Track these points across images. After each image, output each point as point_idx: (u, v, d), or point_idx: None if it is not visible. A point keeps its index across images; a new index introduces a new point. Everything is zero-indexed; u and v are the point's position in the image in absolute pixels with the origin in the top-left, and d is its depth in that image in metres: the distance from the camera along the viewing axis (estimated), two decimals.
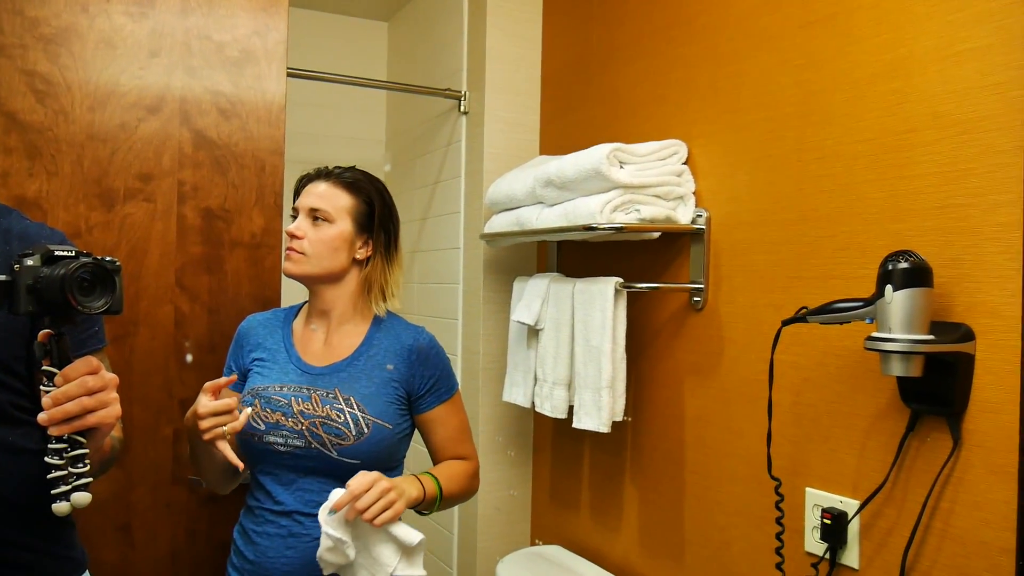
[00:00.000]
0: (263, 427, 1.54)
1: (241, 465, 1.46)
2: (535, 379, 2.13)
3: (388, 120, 3.34)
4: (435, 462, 1.69)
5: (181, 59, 1.94)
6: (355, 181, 1.66)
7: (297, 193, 1.68)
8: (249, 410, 1.49)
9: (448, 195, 2.69)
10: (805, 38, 1.60)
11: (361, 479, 1.39)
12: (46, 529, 1.28)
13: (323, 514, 1.39)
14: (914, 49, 1.39)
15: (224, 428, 1.40)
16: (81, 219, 1.85)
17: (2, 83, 1.79)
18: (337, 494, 1.39)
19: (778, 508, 1.54)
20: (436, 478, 1.57)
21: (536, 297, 2.11)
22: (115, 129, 1.88)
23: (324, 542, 1.38)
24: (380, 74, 3.32)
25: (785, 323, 1.50)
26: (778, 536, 1.54)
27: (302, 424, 1.53)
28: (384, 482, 1.40)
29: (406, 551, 1.42)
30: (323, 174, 1.66)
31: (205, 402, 1.40)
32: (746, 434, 1.73)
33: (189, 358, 1.55)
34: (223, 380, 1.44)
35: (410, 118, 3.08)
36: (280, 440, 1.53)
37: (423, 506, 1.54)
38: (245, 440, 1.57)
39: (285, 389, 1.57)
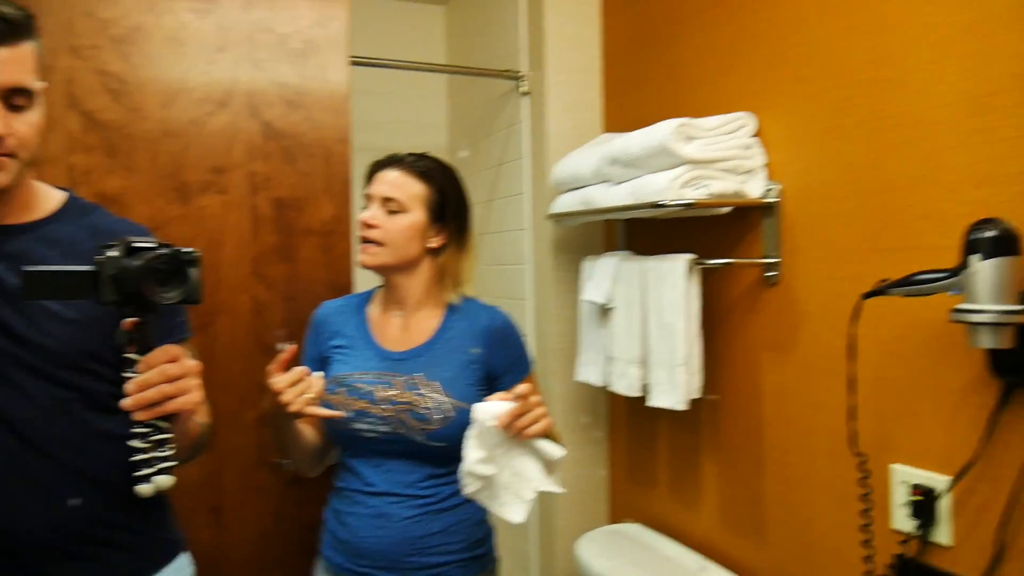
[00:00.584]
0: (350, 414, 1.56)
1: (341, 414, 1.47)
2: (608, 358, 2.12)
3: (449, 104, 3.35)
4: None
5: (246, 53, 1.97)
6: (428, 170, 1.65)
7: (369, 180, 1.68)
8: (321, 375, 1.48)
9: (512, 176, 2.69)
10: (876, 2, 1.55)
11: (522, 388, 1.37)
12: (146, 512, 1.33)
13: (482, 419, 1.38)
14: (993, 8, 1.33)
15: (308, 395, 1.41)
16: (159, 212, 1.90)
17: (79, 83, 1.84)
18: (488, 407, 1.38)
19: (863, 484, 1.51)
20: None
21: (606, 276, 2.10)
22: (186, 124, 1.92)
23: (474, 454, 1.37)
24: (439, 58, 3.32)
25: (865, 296, 1.46)
26: (864, 513, 1.51)
27: (388, 411, 1.54)
28: (536, 395, 1.39)
29: (548, 466, 1.42)
30: (395, 161, 1.65)
31: (278, 378, 1.41)
32: (827, 409, 1.70)
33: (283, 346, 1.58)
34: (283, 355, 1.45)
35: (471, 101, 3.08)
36: (367, 427, 1.55)
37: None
38: (333, 427, 1.59)
39: (367, 376, 1.59)
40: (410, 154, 1.67)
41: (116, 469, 1.15)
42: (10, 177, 1.16)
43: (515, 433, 1.35)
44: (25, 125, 1.16)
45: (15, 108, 1.14)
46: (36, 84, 1.18)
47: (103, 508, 1.26)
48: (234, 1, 1.96)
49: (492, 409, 1.37)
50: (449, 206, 1.66)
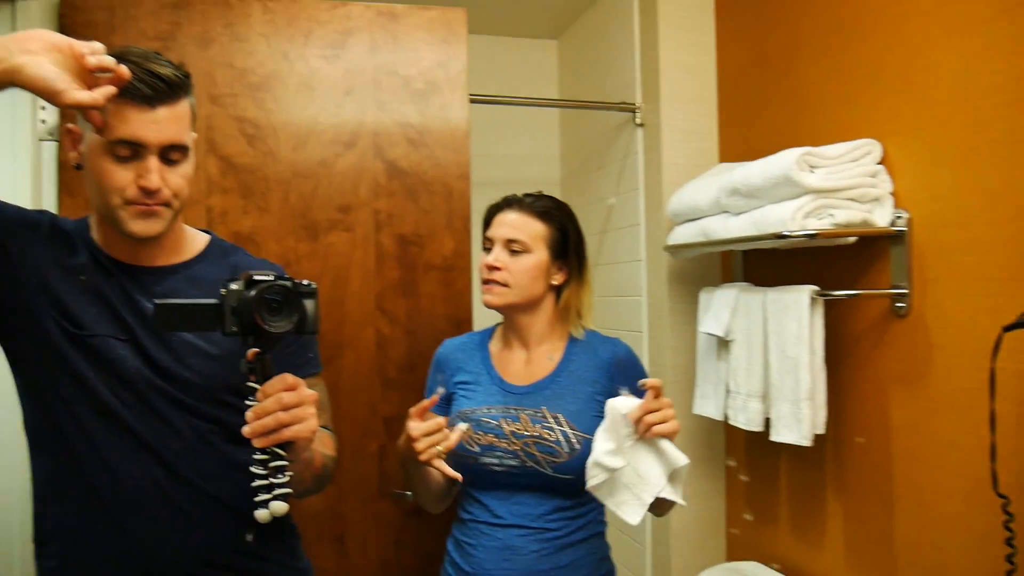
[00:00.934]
0: (477, 449, 1.59)
1: (459, 477, 1.50)
2: (727, 391, 2.09)
3: (562, 136, 3.38)
4: None
5: (372, 95, 2.05)
6: (547, 210, 1.68)
7: (487, 223, 1.72)
8: (464, 426, 1.55)
9: (627, 208, 2.69)
10: (1008, 21, 1.49)
11: (653, 380, 1.41)
12: (279, 541, 1.39)
13: (615, 410, 1.41)
14: None
15: (439, 447, 1.45)
16: (290, 251, 1.99)
17: (218, 129, 1.96)
18: (621, 400, 1.41)
19: (1007, 528, 1.43)
20: None
21: (725, 307, 2.07)
22: (316, 165, 2.01)
23: (604, 445, 1.40)
24: (552, 92, 3.36)
25: (1007, 329, 1.39)
26: (1008, 559, 1.43)
27: (515, 444, 1.56)
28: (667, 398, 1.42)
29: (671, 474, 1.42)
30: (514, 203, 1.69)
31: (415, 425, 1.46)
32: (962, 447, 1.61)
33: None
34: (426, 402, 1.50)
35: (583, 133, 3.10)
36: (495, 460, 1.57)
37: None
38: (460, 461, 1.61)
39: (493, 410, 1.62)
40: (527, 195, 1.71)
41: (251, 498, 1.20)
42: (163, 225, 1.25)
43: (645, 429, 1.38)
44: (179, 177, 1.24)
45: (171, 162, 1.23)
46: (190, 139, 1.26)
47: (240, 537, 1.31)
48: (361, 46, 2.04)
49: (625, 403, 1.40)
50: (569, 242, 1.69)
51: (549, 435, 1.55)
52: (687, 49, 2.47)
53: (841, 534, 1.97)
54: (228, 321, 1.10)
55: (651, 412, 1.38)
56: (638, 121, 2.57)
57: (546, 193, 1.75)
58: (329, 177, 2.02)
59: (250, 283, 1.11)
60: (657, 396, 1.39)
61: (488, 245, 1.69)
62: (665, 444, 1.41)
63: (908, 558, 1.76)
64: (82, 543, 1.27)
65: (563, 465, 1.54)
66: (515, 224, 1.66)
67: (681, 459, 1.40)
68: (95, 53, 1.08)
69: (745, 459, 2.36)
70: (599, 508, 1.62)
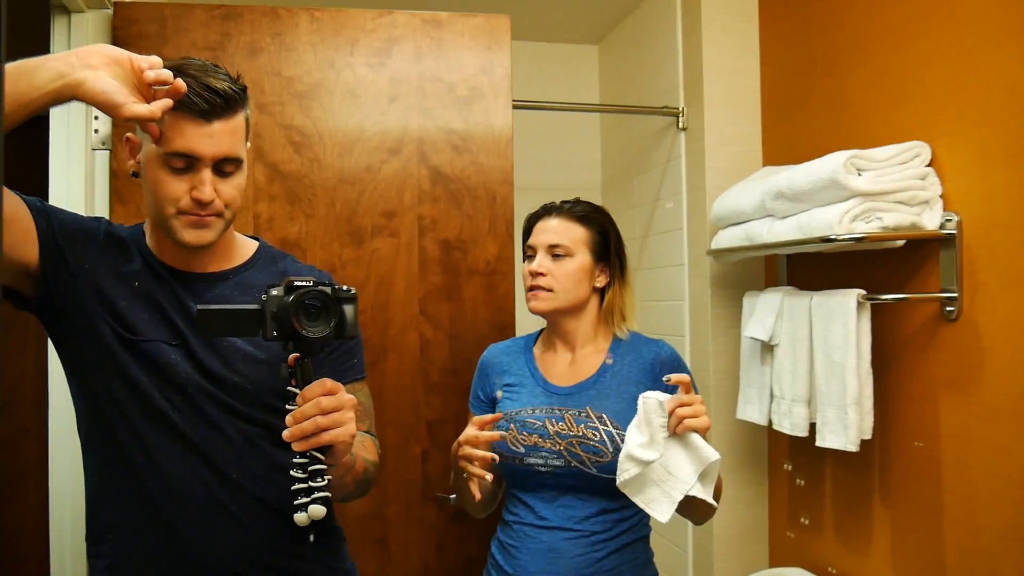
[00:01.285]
0: (522, 450, 1.60)
1: (487, 476, 1.49)
2: (771, 396, 2.07)
3: (603, 141, 3.38)
4: None
5: (416, 102, 2.07)
6: (586, 213, 1.70)
7: (528, 232, 1.74)
8: (502, 433, 1.56)
9: (669, 212, 2.69)
10: None
11: (683, 376, 1.42)
12: (325, 543, 1.41)
13: (650, 404, 1.42)
14: None
15: (485, 480, 1.47)
16: (335, 256, 2.01)
17: (265, 137, 1.99)
18: (653, 394, 1.43)
19: None
20: None
21: (769, 312, 2.06)
22: (361, 172, 2.04)
23: (636, 439, 1.41)
24: (592, 97, 3.37)
25: None
26: None
27: (560, 444, 1.57)
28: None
29: (702, 471, 1.41)
30: (552, 210, 1.72)
31: (468, 449, 1.47)
32: (1015, 453, 1.59)
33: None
34: (489, 417, 1.53)
35: (625, 138, 3.10)
36: (540, 461, 1.58)
37: None
38: (506, 463, 1.63)
39: (537, 411, 1.63)
40: (564, 201, 1.73)
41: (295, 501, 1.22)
42: (215, 235, 1.27)
43: (677, 422, 1.38)
44: (231, 188, 1.27)
45: (224, 174, 1.25)
46: (244, 151, 1.29)
47: (286, 539, 1.32)
48: (405, 53, 2.07)
49: (657, 396, 1.41)
50: (611, 244, 1.71)
51: (594, 435, 1.56)
52: (730, 52, 2.46)
53: (888, 541, 1.94)
54: (268, 326, 1.12)
55: (683, 406, 1.38)
56: (681, 125, 2.57)
57: (586, 199, 1.76)
58: (374, 183, 2.04)
59: (289, 288, 1.13)
60: (687, 391, 1.40)
61: (530, 253, 1.71)
62: (696, 439, 1.41)
63: (957, 567, 1.73)
64: (132, 543, 1.29)
65: (607, 465, 1.54)
66: (557, 230, 1.67)
67: (712, 454, 1.40)
68: (153, 67, 1.10)
69: (789, 465, 2.34)
70: (642, 511, 1.62)
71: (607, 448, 1.54)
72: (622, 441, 1.53)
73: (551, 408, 1.62)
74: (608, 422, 1.57)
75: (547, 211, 1.72)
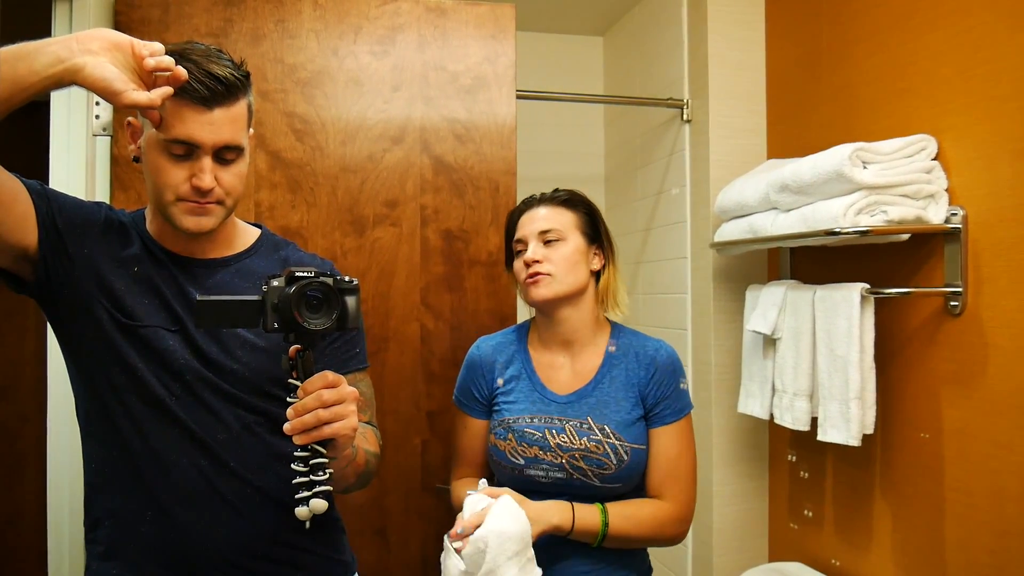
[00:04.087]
0: (522, 461, 1.57)
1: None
2: (773, 390, 2.06)
3: (606, 133, 3.37)
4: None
5: (420, 91, 2.06)
6: (570, 198, 1.67)
7: (512, 228, 1.69)
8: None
9: (672, 205, 2.67)
10: None
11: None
12: (324, 534, 1.40)
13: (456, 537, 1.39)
14: None
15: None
16: (336, 245, 2.00)
17: (267, 125, 1.98)
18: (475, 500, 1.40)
19: None
20: (605, 511, 1.51)
21: (772, 305, 2.05)
22: (364, 160, 2.03)
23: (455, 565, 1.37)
24: (597, 88, 3.35)
25: None
26: None
27: (561, 457, 1.54)
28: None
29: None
30: (534, 201, 1.68)
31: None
32: (1018, 448, 1.58)
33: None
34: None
35: (629, 130, 3.09)
36: (541, 473, 1.56)
37: (580, 536, 1.49)
38: (508, 475, 1.60)
39: (536, 421, 1.59)
40: (543, 193, 1.69)
41: (294, 491, 1.21)
42: (215, 222, 1.26)
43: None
44: (232, 176, 1.25)
45: (225, 161, 1.24)
46: (245, 138, 1.27)
47: (284, 528, 1.32)
48: (409, 42, 2.05)
49: (478, 501, 1.40)
50: (599, 225, 1.68)
51: (597, 448, 1.53)
52: (736, 45, 2.44)
53: (889, 536, 1.94)
54: (269, 318, 1.10)
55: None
56: (685, 117, 2.55)
57: (585, 192, 1.73)
58: (376, 172, 2.03)
59: (291, 280, 1.11)
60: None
61: (520, 248, 1.65)
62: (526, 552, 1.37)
63: (959, 562, 1.73)
64: (129, 529, 1.28)
65: (612, 476, 1.52)
66: (546, 216, 1.64)
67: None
68: (154, 55, 1.09)
69: (789, 459, 2.33)
70: None
71: (611, 460, 1.52)
72: (626, 452, 1.52)
73: (550, 418, 1.58)
74: (611, 433, 1.54)
75: (529, 203, 1.68)
